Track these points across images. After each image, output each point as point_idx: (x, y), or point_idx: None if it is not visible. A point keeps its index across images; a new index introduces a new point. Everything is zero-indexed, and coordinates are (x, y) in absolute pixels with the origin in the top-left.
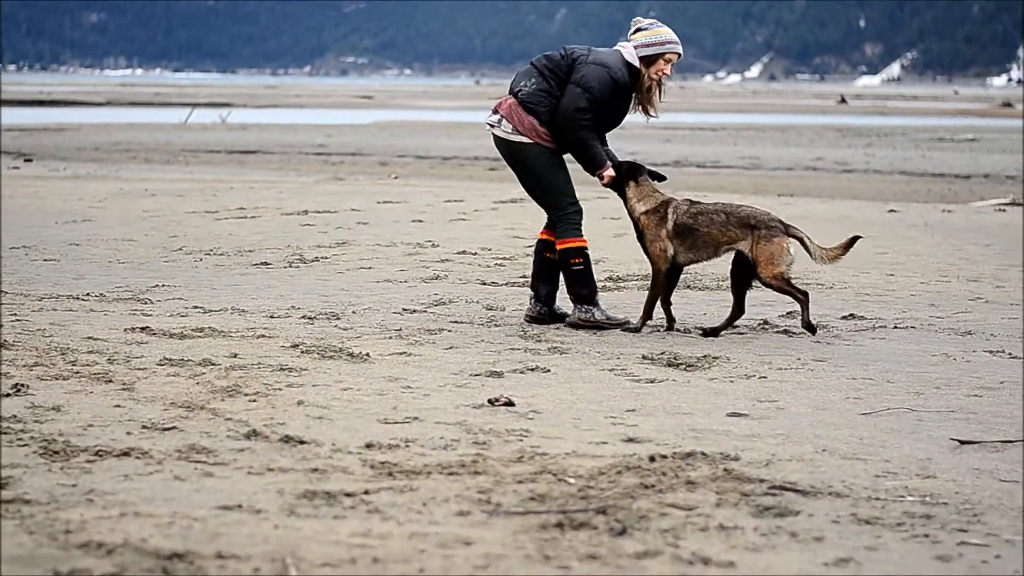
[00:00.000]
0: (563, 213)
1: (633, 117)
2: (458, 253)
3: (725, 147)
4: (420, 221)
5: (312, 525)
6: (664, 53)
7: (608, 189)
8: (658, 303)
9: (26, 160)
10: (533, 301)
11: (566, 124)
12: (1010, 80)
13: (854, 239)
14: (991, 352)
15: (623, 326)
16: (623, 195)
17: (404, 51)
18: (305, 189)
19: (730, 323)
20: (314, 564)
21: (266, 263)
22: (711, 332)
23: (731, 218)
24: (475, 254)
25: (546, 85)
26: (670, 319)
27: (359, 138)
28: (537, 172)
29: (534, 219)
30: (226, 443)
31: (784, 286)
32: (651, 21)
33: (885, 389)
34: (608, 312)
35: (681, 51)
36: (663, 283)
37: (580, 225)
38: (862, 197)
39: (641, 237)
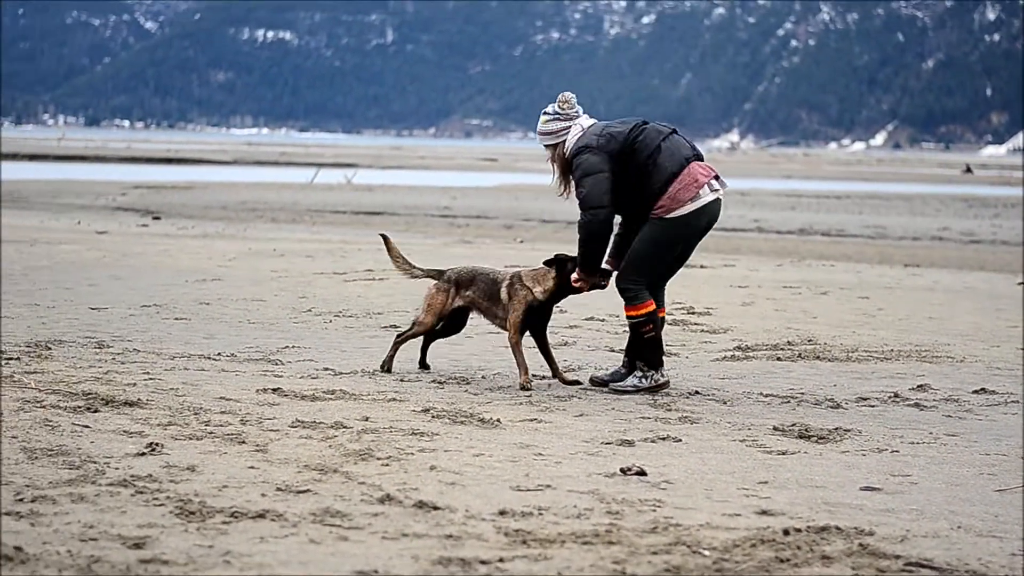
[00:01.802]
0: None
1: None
2: (586, 319)
3: (850, 215)
4: None
5: None
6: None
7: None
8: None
9: (154, 218)
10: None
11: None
12: None
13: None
14: None
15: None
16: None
17: (528, 114)
18: (433, 251)
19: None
20: None
21: (395, 326)
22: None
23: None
24: (603, 320)
25: None
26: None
27: (484, 201)
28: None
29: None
30: (360, 507)
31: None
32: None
33: (1019, 465)
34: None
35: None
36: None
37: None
38: (989, 268)
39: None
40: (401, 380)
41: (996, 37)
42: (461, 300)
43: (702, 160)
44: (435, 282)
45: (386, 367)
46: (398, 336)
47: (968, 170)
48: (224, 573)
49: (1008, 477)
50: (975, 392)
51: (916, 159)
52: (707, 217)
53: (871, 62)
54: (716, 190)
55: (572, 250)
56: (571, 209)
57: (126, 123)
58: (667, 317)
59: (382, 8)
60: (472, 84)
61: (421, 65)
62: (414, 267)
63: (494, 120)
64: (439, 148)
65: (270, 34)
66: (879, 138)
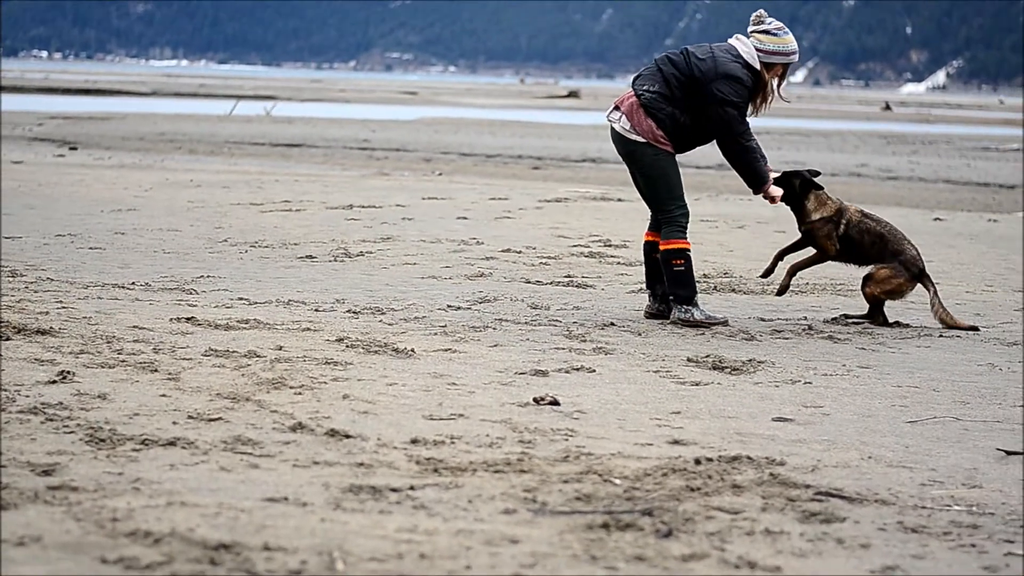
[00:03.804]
0: (670, 215)
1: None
2: (503, 251)
3: (769, 151)
4: (465, 218)
5: (358, 519)
6: (787, 64)
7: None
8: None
9: (71, 148)
10: (651, 299)
11: (735, 146)
12: None
13: (973, 328)
14: None
15: (723, 323)
16: (798, 205)
17: (449, 48)
18: (350, 184)
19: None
20: (361, 558)
21: (311, 256)
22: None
23: (887, 246)
24: (520, 252)
25: (667, 91)
26: (771, 269)
27: (403, 134)
28: (649, 173)
29: (579, 218)
30: (272, 435)
31: (874, 304)
32: (779, 26)
33: (930, 398)
34: (708, 311)
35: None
36: (820, 263)
37: (685, 227)
38: (906, 204)
39: (811, 237)
40: (316, 310)
41: None
42: None
43: (635, 94)
44: None
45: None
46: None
47: (887, 107)
48: (133, 500)
49: (919, 409)
50: (889, 325)
51: (836, 96)
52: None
53: None
54: (611, 121)
55: (489, 182)
56: (489, 142)
57: (44, 54)
58: (584, 249)
59: None
60: (393, 17)
61: None
62: None
63: (415, 53)
64: (359, 81)
65: None
66: (799, 75)
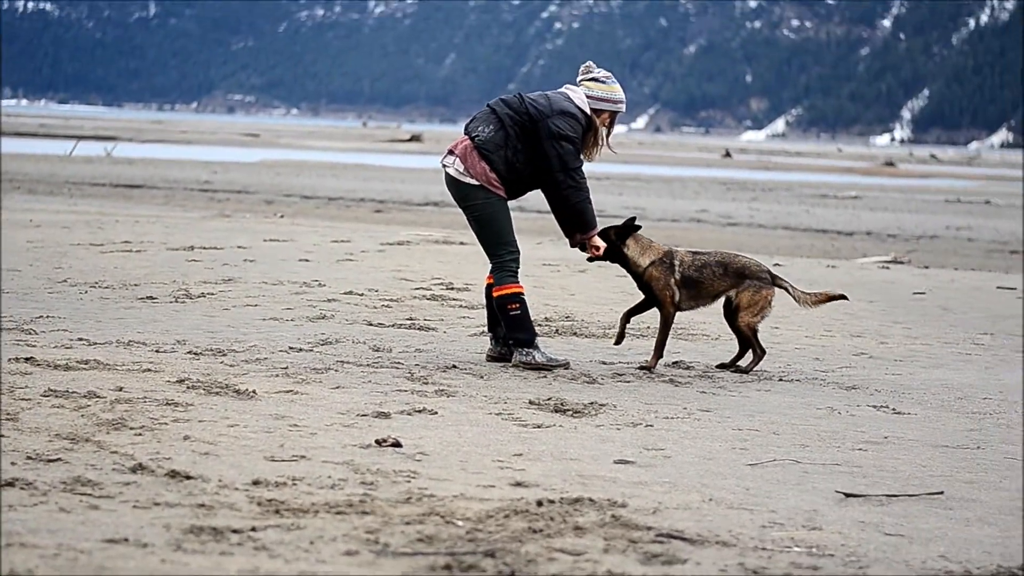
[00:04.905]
0: (501, 260)
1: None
2: (345, 293)
3: (610, 196)
4: (307, 260)
5: (199, 561)
6: (615, 112)
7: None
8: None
9: None
10: (493, 342)
11: (568, 182)
12: (893, 139)
13: (840, 296)
14: (875, 407)
15: (564, 366)
16: (620, 256)
17: (292, 90)
18: (191, 225)
19: (737, 359)
20: None
21: (152, 297)
22: (726, 367)
23: (728, 269)
24: (362, 295)
25: (503, 133)
26: (621, 334)
27: (245, 176)
28: (482, 217)
29: (421, 261)
30: (112, 476)
31: (751, 336)
32: (607, 74)
33: (771, 440)
34: (549, 354)
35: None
36: (671, 324)
37: (516, 272)
38: (746, 250)
39: (648, 287)
40: (156, 351)
41: (757, 24)
42: None
43: (469, 137)
44: None
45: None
46: None
47: (727, 154)
48: None
49: (759, 451)
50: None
51: (676, 143)
52: None
53: (634, 46)
54: (444, 165)
55: (331, 225)
56: (332, 185)
57: None
58: (426, 292)
59: None
60: (235, 59)
61: (184, 39)
62: None
63: (257, 96)
64: (201, 122)
65: (30, 5)
66: (640, 121)
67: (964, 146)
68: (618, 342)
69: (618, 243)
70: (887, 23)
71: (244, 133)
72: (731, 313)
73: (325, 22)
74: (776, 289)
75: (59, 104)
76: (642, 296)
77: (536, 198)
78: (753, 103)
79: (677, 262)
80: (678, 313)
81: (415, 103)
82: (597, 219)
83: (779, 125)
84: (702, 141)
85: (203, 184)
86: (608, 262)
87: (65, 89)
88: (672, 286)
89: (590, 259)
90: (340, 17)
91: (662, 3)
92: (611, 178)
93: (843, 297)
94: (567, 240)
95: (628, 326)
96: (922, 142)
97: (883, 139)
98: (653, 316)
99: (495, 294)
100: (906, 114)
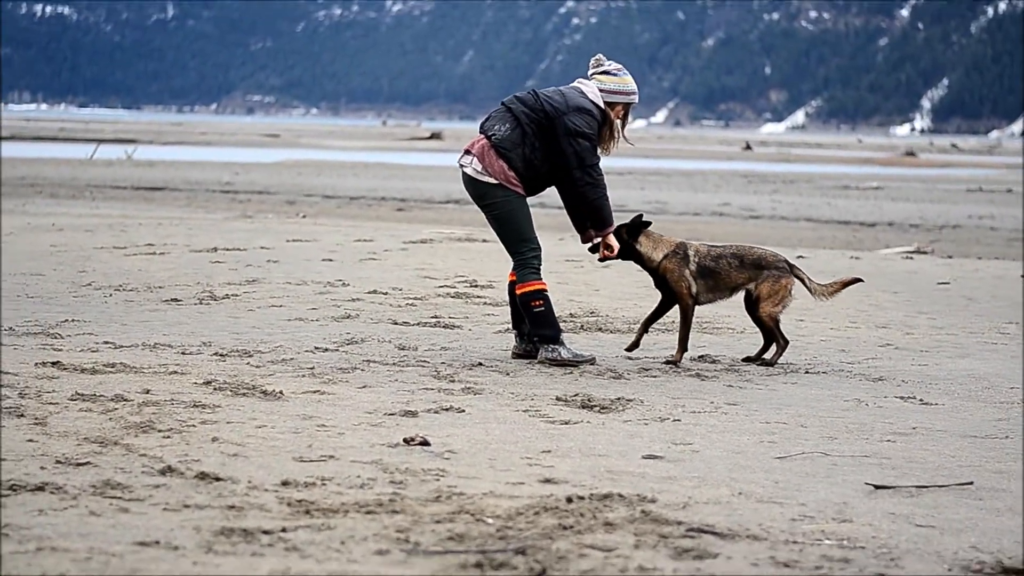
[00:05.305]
0: (523, 258)
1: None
2: (369, 292)
3: (631, 191)
4: (330, 260)
5: (231, 562)
6: (628, 103)
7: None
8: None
9: None
10: (518, 339)
11: (586, 179)
12: (913, 129)
13: (854, 280)
14: (902, 398)
15: (590, 361)
16: (633, 253)
17: (311, 90)
18: (214, 226)
19: (763, 352)
20: None
21: (176, 300)
22: (752, 360)
23: (744, 260)
24: (386, 294)
25: (519, 131)
26: (637, 342)
27: (266, 176)
28: (501, 215)
29: (444, 259)
30: (141, 479)
31: (774, 327)
32: (618, 67)
33: (799, 433)
34: (574, 349)
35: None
36: (692, 316)
37: (538, 269)
38: (769, 243)
39: (664, 281)
40: (182, 353)
41: (775, 16)
42: None
43: (485, 136)
44: None
45: None
46: None
47: (748, 147)
48: (3, 546)
49: (788, 445)
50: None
51: (696, 136)
52: None
53: (652, 40)
54: (462, 164)
55: (354, 224)
56: (353, 184)
57: None
58: (450, 289)
59: None
60: (254, 60)
61: (202, 41)
62: None
63: (276, 96)
64: (221, 124)
65: (48, 8)
66: (660, 115)
67: (985, 135)
68: (632, 348)
69: (630, 241)
70: (905, 13)
71: (264, 134)
72: (752, 305)
73: (343, 21)
74: (794, 279)
75: (79, 108)
76: (660, 297)
77: (558, 194)
78: (772, 95)
79: (692, 253)
80: (700, 308)
81: (434, 101)
82: (614, 216)
83: (799, 117)
84: (722, 134)
85: (224, 185)
86: (622, 260)
87: (84, 93)
88: (688, 277)
89: (601, 259)
90: (358, 16)
91: None
92: (633, 173)
93: (858, 280)
94: (579, 237)
95: (647, 332)
96: (942, 132)
97: (903, 129)
98: (676, 313)
99: (518, 291)
100: (926, 104)
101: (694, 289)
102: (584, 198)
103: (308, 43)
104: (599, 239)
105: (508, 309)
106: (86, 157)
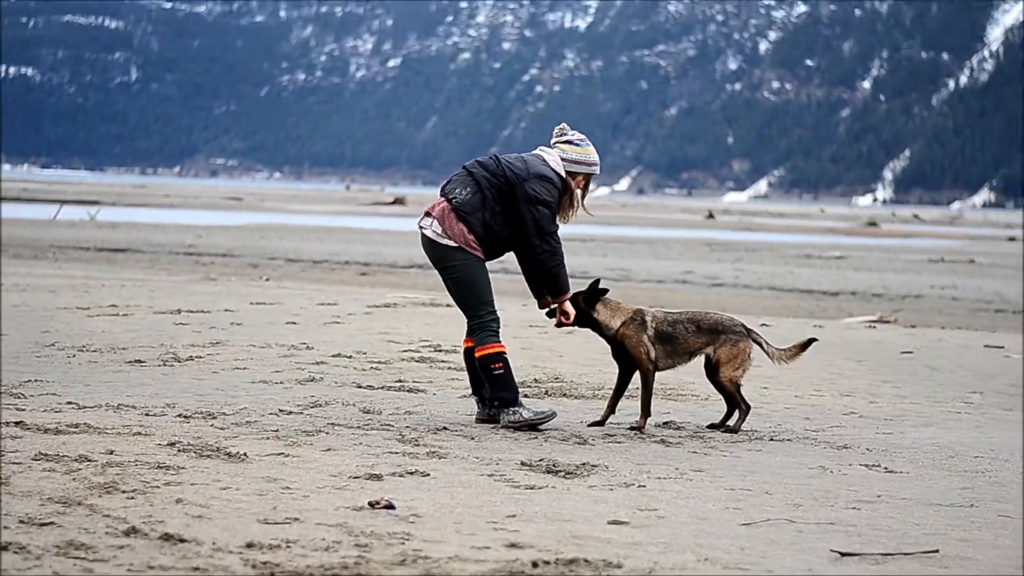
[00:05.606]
0: (481, 321)
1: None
2: (333, 356)
3: (594, 258)
4: (294, 323)
5: None
6: (590, 174)
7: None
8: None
9: None
10: (479, 404)
11: (544, 246)
12: (875, 200)
13: (809, 341)
14: (867, 466)
15: (552, 416)
16: (590, 321)
17: (274, 154)
18: (177, 288)
19: (726, 419)
20: None
21: (140, 361)
22: (716, 427)
23: (701, 326)
24: (350, 357)
25: (480, 195)
26: (602, 421)
27: (230, 239)
28: (460, 279)
29: (408, 323)
30: (105, 540)
31: (735, 391)
32: (581, 137)
33: (764, 500)
34: (533, 408)
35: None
36: (652, 381)
37: (497, 332)
38: (732, 311)
39: (623, 349)
40: (146, 414)
41: (737, 86)
42: None
43: (446, 199)
44: None
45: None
46: None
47: (711, 216)
48: None
49: (753, 512)
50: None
51: (659, 204)
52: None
53: (615, 109)
54: (422, 227)
55: (317, 288)
56: (316, 248)
57: None
58: (414, 354)
59: (126, 47)
60: (217, 124)
61: (166, 104)
62: None
63: (239, 160)
64: (184, 186)
65: (12, 69)
66: (623, 183)
67: (947, 206)
68: (600, 423)
69: (587, 309)
70: (867, 84)
71: (227, 197)
72: (712, 370)
73: (307, 86)
74: (752, 343)
75: (41, 168)
76: (618, 369)
77: (516, 260)
78: (735, 164)
79: (649, 319)
80: (663, 374)
81: (397, 166)
82: (570, 283)
83: (762, 186)
84: (685, 202)
85: (188, 248)
86: (578, 327)
87: (48, 153)
88: (646, 342)
89: (558, 325)
90: (321, 81)
91: (643, 66)
92: (595, 240)
93: (814, 340)
94: (536, 302)
95: (614, 412)
96: (904, 202)
97: (865, 200)
98: (638, 380)
99: (477, 354)
100: (888, 175)
101: (653, 354)
102: (541, 265)
103: (272, 107)
104: (555, 305)
105: None
106: (49, 218)
